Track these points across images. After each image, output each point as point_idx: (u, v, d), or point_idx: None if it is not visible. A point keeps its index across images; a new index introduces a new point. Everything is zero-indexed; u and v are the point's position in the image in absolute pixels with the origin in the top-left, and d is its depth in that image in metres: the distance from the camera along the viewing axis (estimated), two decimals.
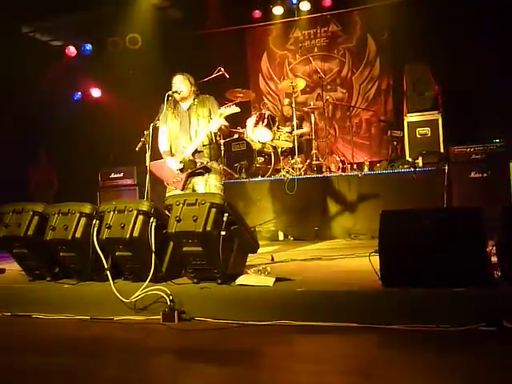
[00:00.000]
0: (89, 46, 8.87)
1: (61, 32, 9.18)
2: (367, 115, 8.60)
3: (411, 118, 7.03)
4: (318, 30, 8.84)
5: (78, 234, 3.77)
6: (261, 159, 7.34)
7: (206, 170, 4.64)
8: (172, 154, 4.71)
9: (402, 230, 3.21)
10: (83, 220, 3.81)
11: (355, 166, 7.29)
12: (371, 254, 3.51)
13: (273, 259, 4.49)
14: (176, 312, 3.29)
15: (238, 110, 4.65)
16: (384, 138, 8.21)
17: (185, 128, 4.69)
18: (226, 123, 4.72)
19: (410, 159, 6.74)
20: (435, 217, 3.22)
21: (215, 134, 4.68)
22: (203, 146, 4.64)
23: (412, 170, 6.35)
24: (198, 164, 4.59)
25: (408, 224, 3.23)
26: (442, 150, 6.66)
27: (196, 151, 4.62)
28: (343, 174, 6.85)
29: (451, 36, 7.25)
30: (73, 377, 2.54)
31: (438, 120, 6.86)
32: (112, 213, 3.68)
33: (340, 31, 8.75)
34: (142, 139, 4.36)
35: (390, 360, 2.56)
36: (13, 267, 4.57)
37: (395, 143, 7.48)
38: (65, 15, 8.34)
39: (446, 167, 6.10)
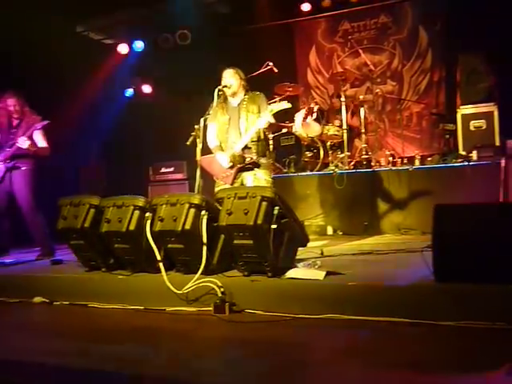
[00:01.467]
0: (140, 43, 9.03)
1: (113, 30, 9.40)
2: (418, 108, 8.39)
3: (465, 110, 6.83)
4: (368, 22, 8.68)
5: (132, 227, 3.87)
6: (309, 153, 7.31)
7: (255, 165, 4.67)
8: (222, 150, 4.77)
9: (457, 224, 3.12)
10: (137, 213, 3.90)
11: (406, 160, 7.14)
12: (424, 248, 3.47)
13: (322, 253, 4.47)
14: (227, 304, 3.33)
15: (289, 105, 4.64)
16: (436, 131, 8.00)
17: (234, 124, 4.73)
18: (273, 120, 4.73)
19: (464, 153, 6.55)
20: (493, 211, 3.12)
21: (264, 130, 4.70)
22: (252, 142, 4.66)
23: (466, 163, 6.18)
24: (247, 159, 4.63)
25: (463, 218, 3.14)
26: (497, 143, 6.45)
27: (245, 147, 4.66)
28: (393, 168, 6.73)
29: (507, 24, 6.98)
30: (128, 364, 2.61)
31: (493, 112, 6.63)
32: (164, 206, 3.75)
33: (390, 22, 8.56)
34: (193, 133, 4.43)
35: (441, 356, 2.51)
36: (70, 258, 4.75)
37: (447, 136, 7.28)
38: (117, 13, 8.54)
39: (503, 161, 5.89)
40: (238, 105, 4.77)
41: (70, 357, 2.72)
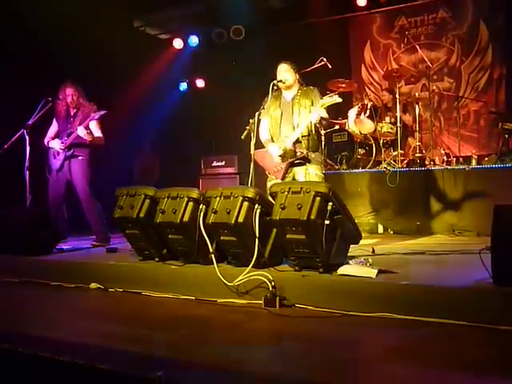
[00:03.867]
0: (195, 38, 9.15)
1: (168, 25, 9.56)
2: (476, 106, 8.15)
3: None
4: (426, 17, 8.48)
5: (186, 218, 3.93)
6: (362, 150, 7.22)
7: (306, 160, 4.65)
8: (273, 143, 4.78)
9: None
10: (191, 204, 3.96)
11: (461, 160, 6.95)
12: (482, 250, 3.36)
13: (374, 251, 4.42)
14: (277, 298, 3.34)
15: (339, 99, 4.60)
16: (494, 130, 7.74)
17: (287, 118, 4.73)
18: (326, 115, 4.69)
19: None
20: None
21: (315, 125, 4.67)
22: (302, 136, 4.65)
23: None
24: (298, 154, 4.63)
25: None
26: None
27: (296, 141, 4.66)
28: (448, 167, 6.56)
29: None
30: (180, 350, 2.66)
31: None
32: (218, 198, 3.79)
33: (450, 18, 8.33)
34: (248, 127, 4.45)
35: (498, 361, 2.44)
36: (124, 247, 4.88)
37: (507, 136, 7.02)
38: (172, 8, 8.69)
39: None
40: (292, 99, 4.76)
41: (127, 341, 2.80)
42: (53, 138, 5.82)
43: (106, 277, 4.24)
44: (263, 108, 4.78)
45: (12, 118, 5.87)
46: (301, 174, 4.68)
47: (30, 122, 5.57)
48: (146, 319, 3.36)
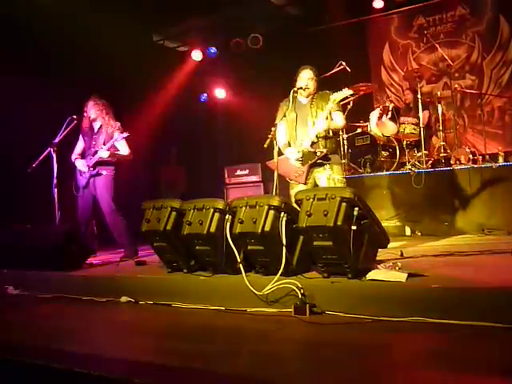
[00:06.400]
0: (213, 49, 9.23)
1: (187, 37, 9.67)
2: (500, 102, 8.03)
3: None
4: (444, 15, 8.40)
5: (213, 229, 3.95)
6: (385, 153, 7.18)
7: (326, 158, 4.60)
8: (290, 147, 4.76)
9: None
10: (217, 215, 3.98)
11: (488, 158, 6.85)
12: None
13: (402, 254, 4.37)
14: (307, 305, 3.32)
15: (350, 92, 4.57)
16: None
17: (303, 121, 4.70)
18: (341, 114, 4.66)
19: None
20: None
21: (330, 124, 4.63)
22: (320, 138, 4.61)
23: None
24: (318, 153, 4.58)
25: None
26: None
27: (313, 143, 4.62)
28: (475, 166, 6.47)
29: None
30: (213, 362, 2.66)
31: None
32: (244, 208, 3.80)
33: (468, 14, 8.24)
34: (270, 135, 4.45)
35: None
36: (153, 260, 4.93)
37: None
38: (190, 20, 8.78)
39: None
40: (307, 102, 4.74)
41: (159, 354, 2.83)
42: (80, 154, 5.91)
43: (136, 290, 4.27)
44: (284, 115, 4.75)
45: (39, 136, 5.99)
46: (322, 178, 4.63)
47: (57, 140, 5.69)
48: (177, 331, 3.38)
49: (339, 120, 4.68)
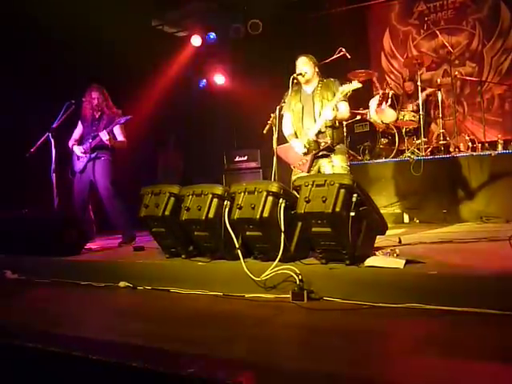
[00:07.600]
0: (212, 35, 9.15)
1: (186, 23, 9.58)
2: (500, 90, 7.99)
3: None
4: (445, 2, 8.33)
5: (211, 215, 3.94)
6: (384, 140, 7.17)
7: (330, 150, 4.63)
8: (296, 137, 4.77)
9: None
10: (215, 201, 3.97)
11: (487, 145, 6.84)
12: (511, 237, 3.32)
13: (400, 241, 4.38)
14: (305, 291, 3.34)
15: (359, 85, 4.57)
16: None
17: (309, 111, 4.72)
18: (347, 106, 4.65)
19: None
20: None
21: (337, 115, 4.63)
22: (326, 127, 4.63)
23: None
24: (322, 144, 4.60)
25: None
26: None
27: (319, 132, 4.64)
28: (474, 153, 6.47)
29: None
30: (210, 347, 2.68)
31: None
32: (242, 194, 3.79)
33: (469, 1, 8.17)
34: (269, 122, 4.44)
35: None
36: (151, 245, 4.94)
37: None
38: (190, 5, 8.71)
39: None
40: (312, 92, 4.75)
41: (158, 339, 2.84)
42: (77, 140, 5.91)
43: (135, 275, 4.28)
44: (284, 102, 4.77)
45: (37, 121, 5.96)
46: (326, 166, 4.66)
47: (55, 126, 5.66)
48: (175, 316, 3.39)
49: (345, 110, 4.68)
